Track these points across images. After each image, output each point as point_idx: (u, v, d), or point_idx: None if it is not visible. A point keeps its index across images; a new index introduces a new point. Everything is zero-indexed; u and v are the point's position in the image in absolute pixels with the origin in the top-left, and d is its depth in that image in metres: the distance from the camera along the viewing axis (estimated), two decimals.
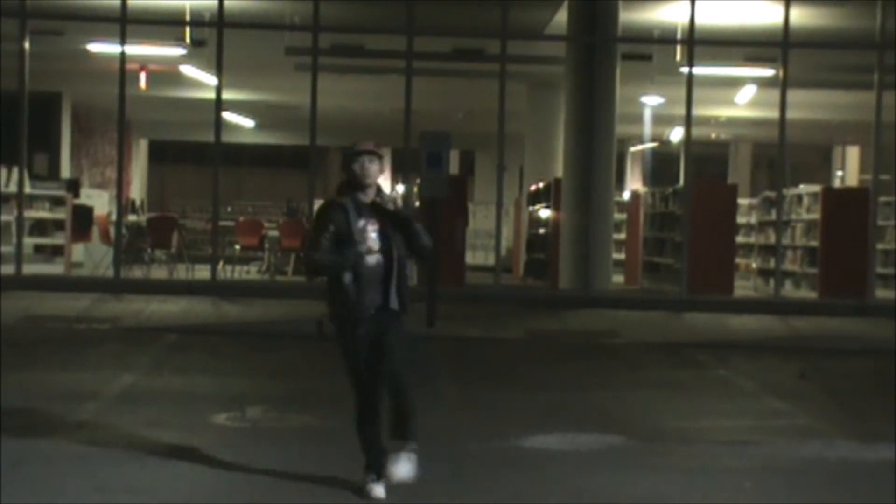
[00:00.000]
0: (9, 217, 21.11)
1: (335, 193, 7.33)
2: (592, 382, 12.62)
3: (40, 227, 21.92)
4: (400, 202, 7.24)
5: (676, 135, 33.38)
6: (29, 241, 21.68)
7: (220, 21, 20.61)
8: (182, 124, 37.52)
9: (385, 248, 7.16)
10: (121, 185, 22.08)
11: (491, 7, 20.75)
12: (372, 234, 7.13)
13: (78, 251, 23.56)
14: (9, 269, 20.29)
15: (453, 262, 20.43)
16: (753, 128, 34.49)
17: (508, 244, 28.23)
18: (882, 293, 21.12)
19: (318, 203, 21.23)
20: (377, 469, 7.21)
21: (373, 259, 7.14)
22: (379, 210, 7.19)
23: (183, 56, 23.15)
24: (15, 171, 20.93)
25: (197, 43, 21.96)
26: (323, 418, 9.80)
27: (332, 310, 7.23)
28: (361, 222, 7.12)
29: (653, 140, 36.16)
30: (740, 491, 7.83)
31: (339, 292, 7.15)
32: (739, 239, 24.27)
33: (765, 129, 30.78)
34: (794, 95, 21.67)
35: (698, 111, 22.83)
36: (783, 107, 21.01)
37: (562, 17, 21.10)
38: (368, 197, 7.19)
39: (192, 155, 46.68)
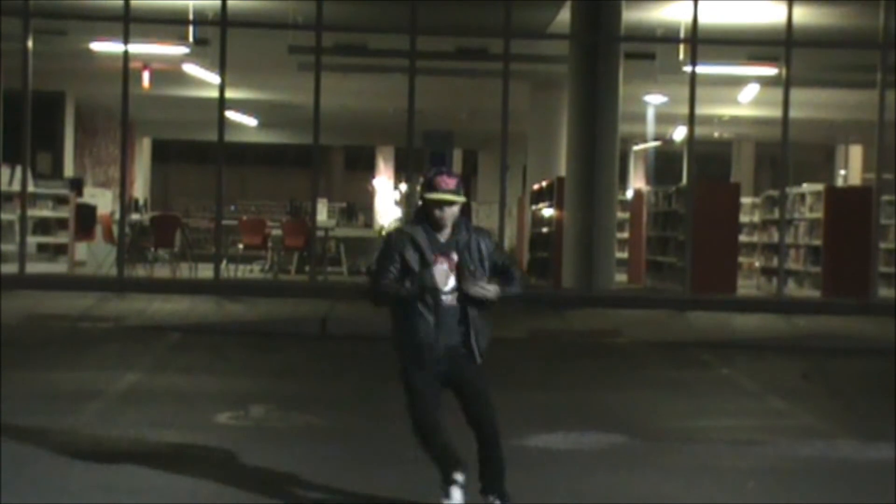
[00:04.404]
0: (12, 216, 21.15)
1: (412, 220, 6.81)
2: (595, 382, 12.62)
3: (44, 226, 21.97)
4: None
5: (679, 134, 33.37)
6: (32, 240, 21.72)
7: (224, 20, 20.63)
8: (185, 123, 37.56)
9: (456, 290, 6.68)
10: (124, 184, 22.09)
11: (494, 6, 20.76)
12: (442, 269, 6.64)
13: (81, 250, 23.62)
14: (12, 268, 20.32)
15: None
16: (756, 126, 34.50)
17: (511, 243, 28.24)
18: (885, 292, 21.14)
19: (321, 202, 21.40)
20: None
21: (448, 298, 6.68)
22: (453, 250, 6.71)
23: (186, 55, 23.16)
24: (18, 169, 20.97)
25: (200, 42, 21.99)
26: (327, 418, 9.81)
27: (400, 352, 6.75)
28: (433, 257, 6.64)
29: (656, 139, 36.16)
30: (743, 490, 7.84)
31: (409, 331, 6.68)
32: (742, 238, 24.28)
33: (768, 128, 30.81)
34: (797, 94, 21.67)
35: (701, 110, 22.83)
36: (786, 106, 21.00)
37: (565, 16, 21.11)
38: (444, 236, 6.70)
39: (195, 154, 46.75)
